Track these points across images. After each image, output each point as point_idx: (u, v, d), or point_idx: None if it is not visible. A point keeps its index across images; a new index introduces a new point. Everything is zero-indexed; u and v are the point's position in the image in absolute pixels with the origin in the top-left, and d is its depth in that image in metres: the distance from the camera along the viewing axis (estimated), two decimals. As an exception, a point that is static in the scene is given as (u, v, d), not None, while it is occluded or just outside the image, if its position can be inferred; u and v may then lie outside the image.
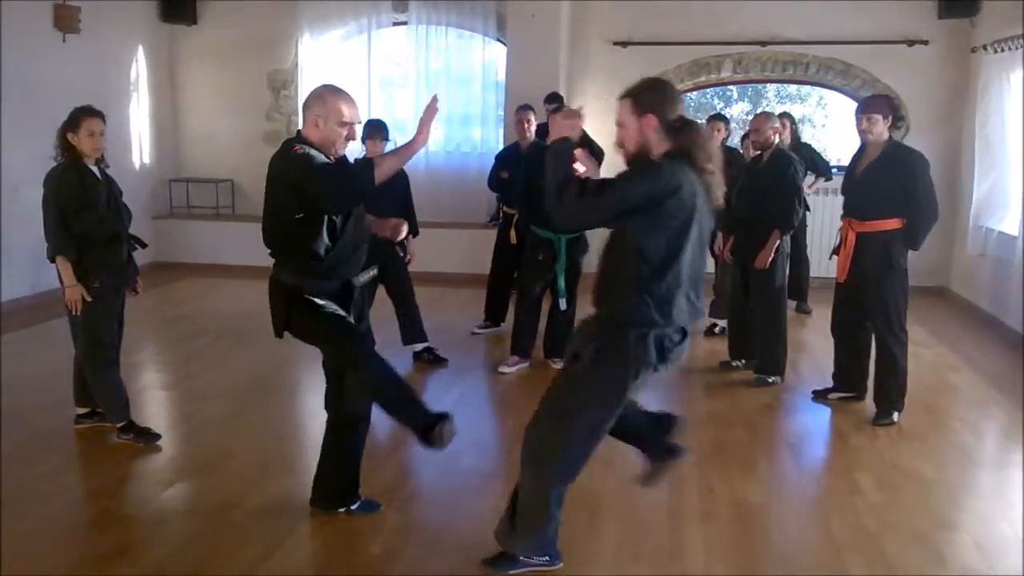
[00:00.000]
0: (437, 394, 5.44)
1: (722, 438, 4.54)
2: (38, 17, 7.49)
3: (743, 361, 5.68)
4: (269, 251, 3.41)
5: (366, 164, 3.32)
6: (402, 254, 5.62)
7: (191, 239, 9.22)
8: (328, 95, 3.30)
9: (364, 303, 3.67)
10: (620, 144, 2.87)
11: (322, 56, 9.31)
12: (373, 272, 3.74)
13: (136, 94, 9.00)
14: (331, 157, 3.29)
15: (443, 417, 3.17)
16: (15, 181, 6.78)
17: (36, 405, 3.67)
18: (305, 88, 9.29)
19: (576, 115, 2.95)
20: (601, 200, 2.70)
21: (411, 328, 5.79)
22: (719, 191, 2.82)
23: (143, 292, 4.60)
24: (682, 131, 2.76)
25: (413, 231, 5.61)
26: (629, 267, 2.77)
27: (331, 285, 3.36)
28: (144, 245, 4.59)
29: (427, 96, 9.42)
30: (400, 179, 5.45)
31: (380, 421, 4.62)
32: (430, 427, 3.15)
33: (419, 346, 5.83)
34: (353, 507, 3.56)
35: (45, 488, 3.76)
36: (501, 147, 8.79)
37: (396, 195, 5.47)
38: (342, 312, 3.34)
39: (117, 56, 8.71)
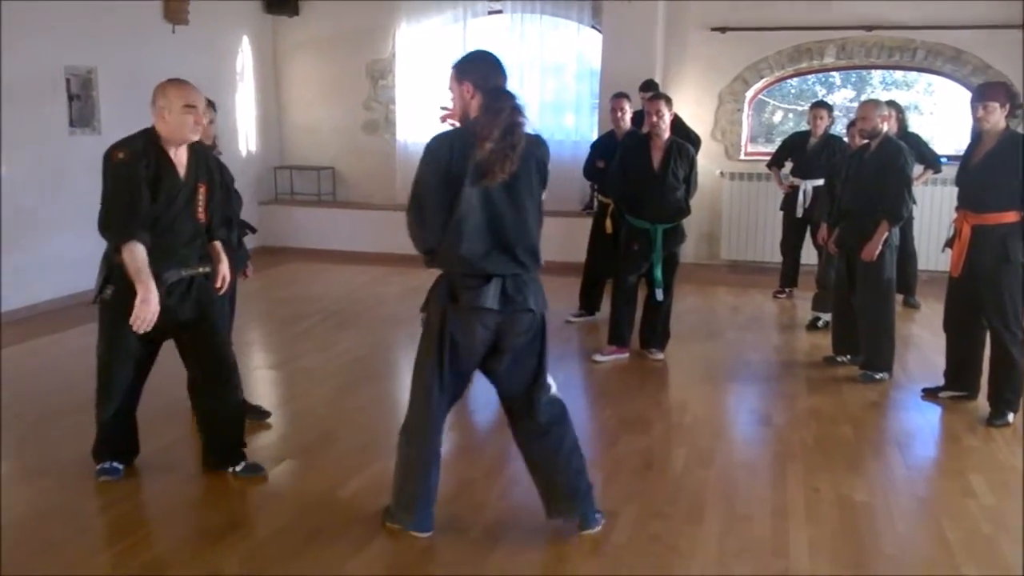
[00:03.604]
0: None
1: (827, 435, 4.44)
2: (149, 10, 7.82)
3: (848, 357, 5.53)
4: (99, 231, 3.54)
5: (126, 232, 3.38)
6: None
7: (295, 224, 9.51)
8: (167, 86, 3.47)
9: (187, 298, 3.62)
10: (443, 109, 3.14)
11: (418, 46, 9.43)
12: (202, 269, 3.67)
13: (241, 84, 9.30)
14: (182, 143, 3.49)
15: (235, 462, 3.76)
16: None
17: (159, 378, 3.83)
18: (402, 78, 9.47)
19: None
20: (416, 205, 3.00)
21: None
22: (490, 160, 2.89)
23: (252, 275, 4.75)
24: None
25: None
26: None
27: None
28: (254, 230, 4.75)
29: (520, 85, 9.40)
30: None
31: (479, 407, 4.75)
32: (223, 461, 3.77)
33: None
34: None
35: (161, 461, 3.93)
36: (595, 135, 8.77)
37: None
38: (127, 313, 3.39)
39: (223, 47, 9.02)
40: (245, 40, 9.35)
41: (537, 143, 3.09)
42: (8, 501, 3.56)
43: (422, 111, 9.47)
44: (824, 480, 3.88)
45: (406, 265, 8.60)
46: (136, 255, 3.36)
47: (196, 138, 3.58)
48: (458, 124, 3.08)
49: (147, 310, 3.35)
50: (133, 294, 3.39)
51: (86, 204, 6.96)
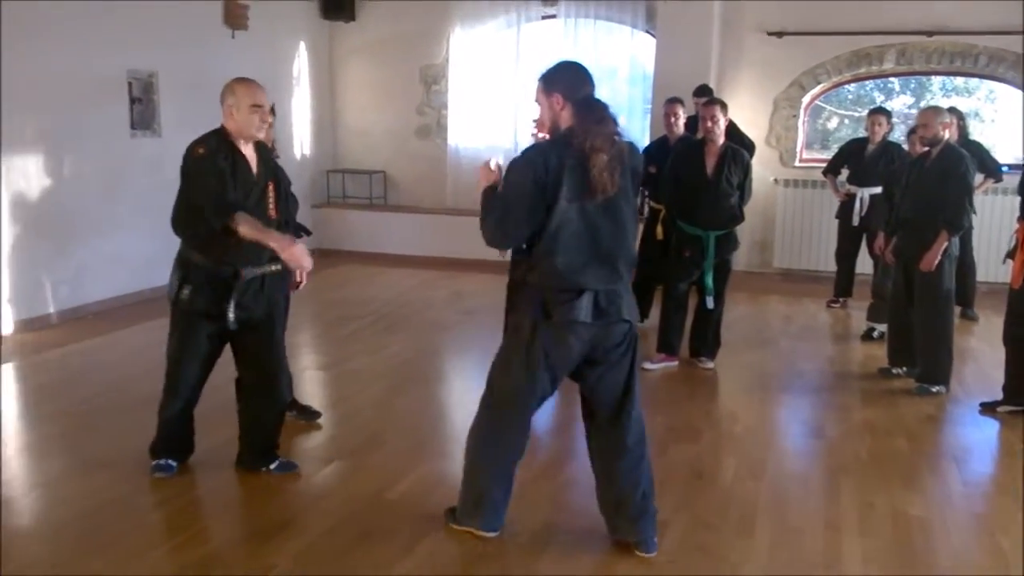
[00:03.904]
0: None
1: (881, 448, 4.35)
2: (210, 14, 7.99)
3: (904, 369, 5.41)
4: (173, 230, 3.68)
5: (226, 209, 3.43)
6: None
7: (347, 227, 9.62)
8: (236, 85, 3.59)
9: (260, 295, 3.70)
10: (534, 122, 3.16)
11: (472, 50, 9.48)
12: (275, 267, 3.72)
13: (298, 88, 9.44)
14: (250, 140, 3.60)
15: (269, 461, 3.86)
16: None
17: (215, 377, 3.91)
18: (455, 82, 9.53)
19: (489, 163, 3.14)
20: (502, 210, 2.97)
21: None
22: (603, 174, 2.87)
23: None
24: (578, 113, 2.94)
25: None
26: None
27: (221, 270, 3.57)
28: (309, 233, 4.79)
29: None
30: None
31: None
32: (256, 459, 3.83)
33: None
34: None
35: (214, 458, 3.99)
36: (647, 140, 8.72)
37: None
38: (204, 313, 3.59)
39: (281, 52, 9.17)
40: (302, 45, 9.50)
41: (632, 151, 3.07)
42: (62, 496, 3.67)
43: (474, 116, 9.54)
44: (879, 494, 3.81)
45: (455, 269, 8.69)
46: (247, 220, 3.41)
47: (261, 136, 3.69)
48: (547, 136, 3.07)
49: (298, 249, 3.44)
50: (208, 294, 3.56)
51: (144, 205, 7.23)
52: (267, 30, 8.67)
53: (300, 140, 9.52)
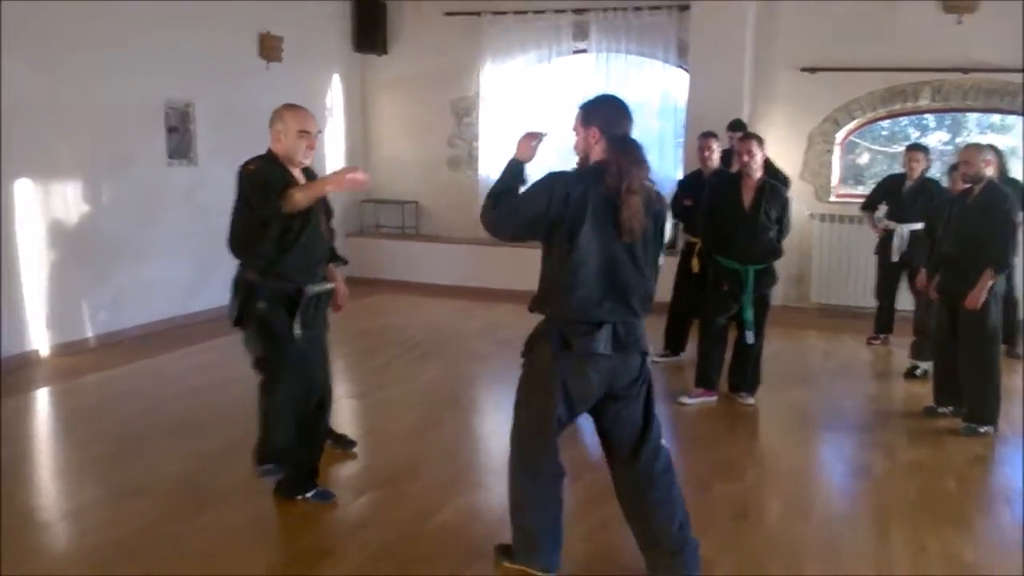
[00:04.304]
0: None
1: (930, 490, 4.22)
2: (246, 46, 8.09)
3: (951, 408, 5.27)
4: (231, 252, 3.70)
5: (276, 191, 3.47)
6: None
7: (379, 256, 9.62)
8: (284, 111, 3.65)
9: (316, 313, 3.75)
10: (575, 150, 3.09)
11: (503, 83, 9.52)
12: (329, 285, 3.80)
13: (331, 119, 9.52)
14: (297, 166, 3.65)
15: (307, 488, 3.79)
16: (222, 200, 7.30)
17: (244, 403, 3.88)
18: (486, 114, 9.56)
19: (537, 136, 3.11)
20: (509, 212, 2.96)
21: None
22: (635, 218, 2.87)
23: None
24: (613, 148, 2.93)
25: None
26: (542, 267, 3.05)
27: (284, 287, 3.58)
28: (345, 262, 4.78)
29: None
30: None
31: (567, 444, 4.68)
32: (296, 485, 3.76)
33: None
34: None
35: (253, 486, 3.93)
36: (680, 174, 8.69)
37: None
38: (283, 325, 3.58)
39: (314, 83, 9.26)
40: (335, 77, 9.59)
41: (658, 197, 3.07)
42: (97, 523, 3.63)
43: (505, 148, 9.53)
44: (930, 537, 3.68)
45: (488, 299, 8.66)
46: (298, 189, 3.47)
47: (308, 163, 3.72)
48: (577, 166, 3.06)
49: (349, 169, 3.52)
50: (284, 305, 3.58)
51: (181, 233, 7.28)
52: (301, 62, 8.76)
53: (334, 170, 9.54)
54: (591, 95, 3.15)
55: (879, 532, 3.74)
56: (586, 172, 2.97)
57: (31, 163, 6.12)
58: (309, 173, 3.79)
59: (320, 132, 3.72)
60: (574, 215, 2.86)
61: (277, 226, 3.54)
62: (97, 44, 6.49)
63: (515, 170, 3.06)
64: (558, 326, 2.97)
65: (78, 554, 3.41)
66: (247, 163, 3.59)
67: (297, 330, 3.62)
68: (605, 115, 2.99)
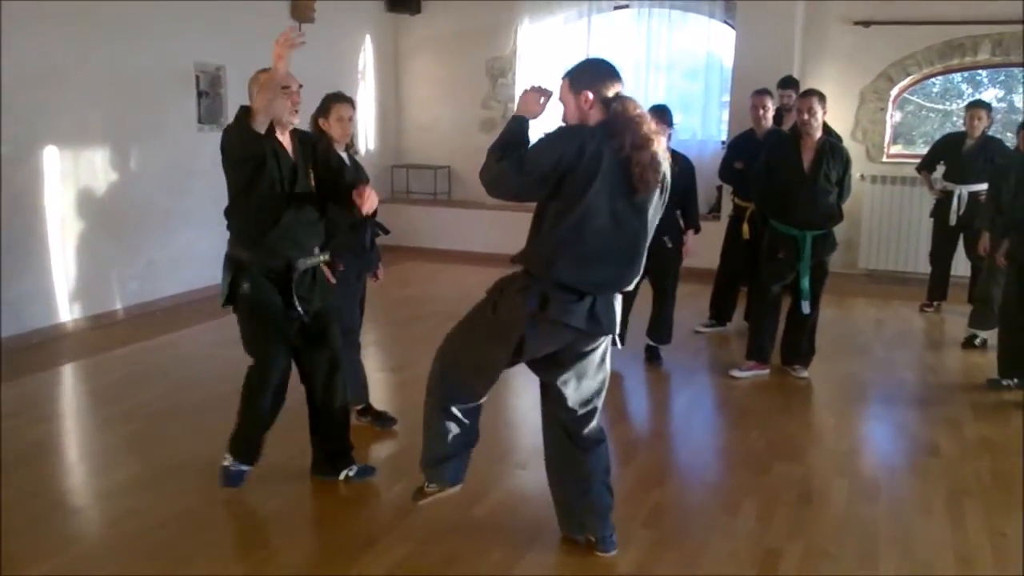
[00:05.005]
0: (666, 397, 5.18)
1: (1003, 470, 3.97)
2: (277, 8, 7.85)
3: (1016, 380, 5.00)
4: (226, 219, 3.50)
5: (239, 117, 3.26)
6: (670, 245, 5.22)
7: (411, 223, 9.39)
8: (259, 73, 3.39)
9: (313, 286, 3.54)
10: (564, 121, 2.90)
11: (540, 42, 9.21)
12: (322, 257, 3.60)
13: (363, 82, 9.27)
14: (285, 128, 3.41)
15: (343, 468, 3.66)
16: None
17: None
18: (522, 75, 9.25)
19: (545, 93, 2.97)
20: (517, 166, 2.77)
21: (655, 324, 5.48)
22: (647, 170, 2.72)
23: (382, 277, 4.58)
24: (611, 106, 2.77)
25: (694, 226, 5.33)
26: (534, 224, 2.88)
27: (273, 263, 3.40)
28: (387, 231, 4.60)
29: (645, 82, 8.99)
30: (684, 168, 5.17)
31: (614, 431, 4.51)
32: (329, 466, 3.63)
33: (651, 342, 5.54)
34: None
35: (290, 468, 3.78)
36: (724, 135, 8.38)
37: (676, 184, 5.16)
38: (271, 307, 3.40)
39: (347, 45, 9.01)
40: (367, 38, 9.33)
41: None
42: (131, 507, 3.48)
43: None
44: (1010, 522, 3.45)
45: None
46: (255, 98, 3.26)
47: (296, 121, 3.48)
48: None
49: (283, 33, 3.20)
50: (268, 288, 3.39)
51: (212, 200, 7.01)
52: (333, 24, 8.51)
53: (365, 134, 9.35)
54: (578, 62, 3.01)
55: (953, 517, 3.51)
56: (598, 128, 2.77)
57: (60, 130, 5.96)
58: (302, 138, 3.57)
59: (301, 87, 3.46)
60: (588, 168, 2.70)
61: (263, 190, 3.33)
62: (127, 7, 6.27)
63: (520, 127, 2.91)
64: (541, 287, 2.79)
65: (112, 542, 3.25)
66: (227, 130, 3.37)
67: (298, 307, 3.44)
68: (594, 78, 2.83)
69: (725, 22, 8.44)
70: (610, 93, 2.80)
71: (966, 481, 3.85)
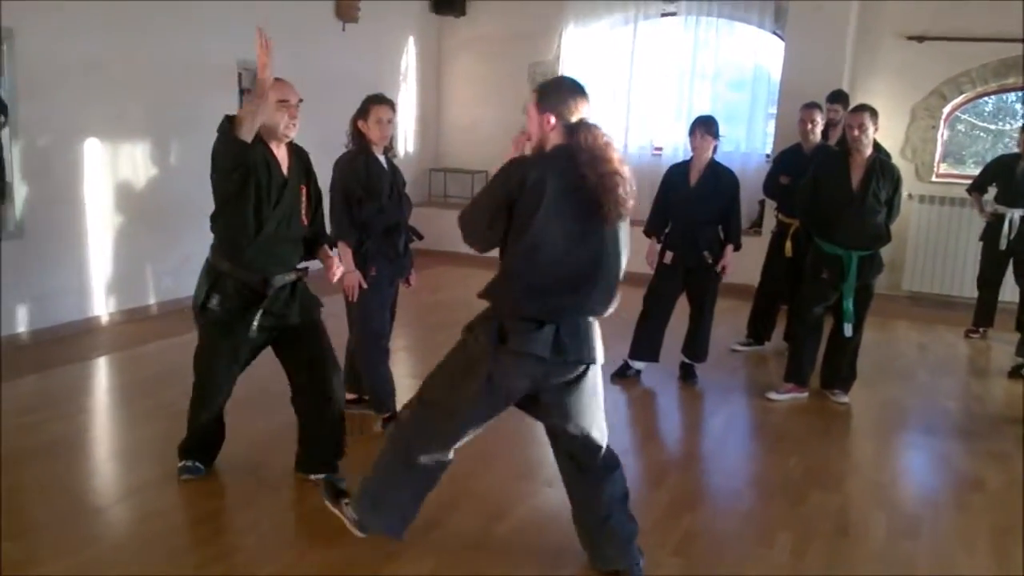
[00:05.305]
0: (700, 417, 5.05)
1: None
2: (322, 7, 7.84)
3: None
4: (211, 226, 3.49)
5: (222, 127, 3.23)
6: (710, 261, 5.11)
7: (446, 228, 9.22)
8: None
9: (290, 302, 3.50)
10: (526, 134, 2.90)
11: (584, 48, 9.11)
12: (302, 267, 3.57)
13: (404, 84, 9.24)
14: (281, 140, 3.42)
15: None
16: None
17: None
18: (565, 81, 9.14)
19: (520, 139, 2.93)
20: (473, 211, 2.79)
21: (691, 341, 5.35)
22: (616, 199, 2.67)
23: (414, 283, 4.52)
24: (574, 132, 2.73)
25: (734, 242, 5.17)
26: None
27: (249, 277, 3.38)
28: (420, 237, 4.55)
29: (689, 92, 8.81)
30: (728, 181, 5.08)
31: (634, 453, 4.40)
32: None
33: (686, 359, 5.41)
34: None
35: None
36: (768, 149, 8.22)
37: (719, 197, 5.06)
38: (234, 325, 3.39)
39: (390, 46, 8.98)
40: (411, 40, 9.29)
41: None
42: (156, 507, 3.44)
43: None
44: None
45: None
46: (240, 114, 3.22)
47: (292, 135, 3.46)
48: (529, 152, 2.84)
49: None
50: (240, 303, 3.38)
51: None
52: (377, 24, 8.49)
53: (404, 137, 9.32)
54: (550, 78, 2.97)
55: (998, 556, 3.36)
56: (545, 157, 2.77)
57: (101, 122, 5.99)
58: (298, 152, 3.56)
59: (301, 101, 3.45)
60: (530, 198, 2.66)
61: (248, 201, 3.31)
62: (172, 2, 6.29)
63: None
64: (499, 319, 2.76)
65: (134, 542, 3.21)
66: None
67: (254, 324, 3.40)
68: (559, 101, 2.79)
69: (774, 32, 8.27)
70: (574, 117, 2.77)
71: (1013, 519, 3.68)
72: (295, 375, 3.60)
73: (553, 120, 2.76)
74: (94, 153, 5.97)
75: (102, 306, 6.14)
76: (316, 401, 3.59)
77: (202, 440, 3.70)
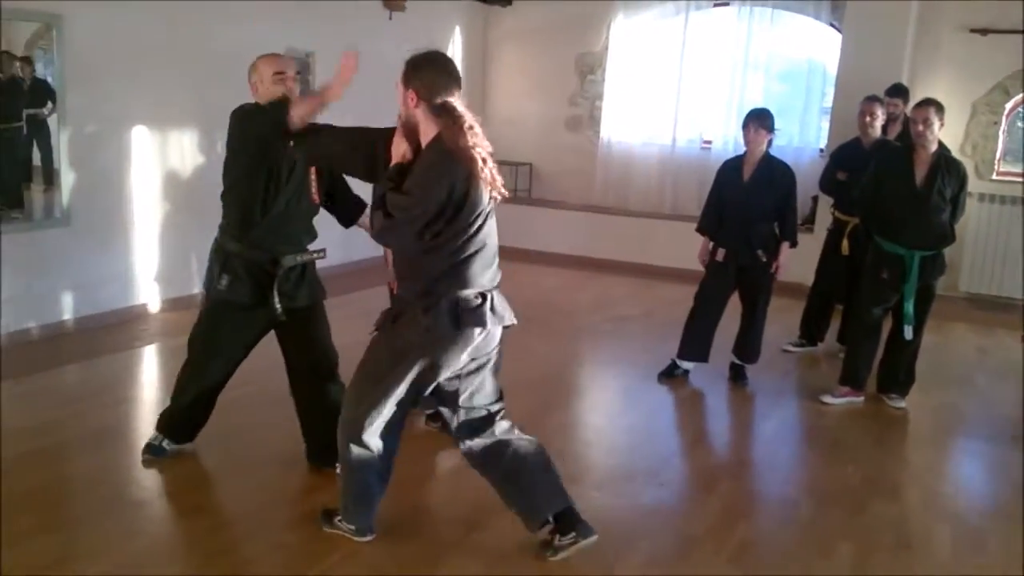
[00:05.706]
0: (751, 420, 4.90)
1: None
2: (370, -5, 7.79)
3: None
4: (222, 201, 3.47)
5: (281, 101, 3.18)
6: (764, 259, 4.96)
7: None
8: (257, 61, 3.43)
9: (299, 283, 3.49)
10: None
11: (634, 39, 8.94)
12: (316, 255, 3.55)
13: (450, 74, 9.14)
14: None
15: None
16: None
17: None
18: (613, 72, 9.00)
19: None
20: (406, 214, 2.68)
21: (742, 341, 5.20)
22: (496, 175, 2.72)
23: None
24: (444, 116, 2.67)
25: (791, 239, 5.03)
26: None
27: (258, 257, 3.36)
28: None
29: (743, 83, 8.59)
30: (783, 176, 4.94)
31: (701, 454, 4.28)
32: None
33: (736, 360, 5.26)
34: None
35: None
36: (823, 143, 8.01)
37: (774, 192, 4.91)
38: (238, 310, 3.39)
39: (436, 36, 8.88)
40: (457, 29, 9.20)
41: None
42: (196, 504, 3.42)
43: (631, 109, 9.01)
44: None
45: (600, 270, 8.24)
46: (296, 104, 3.14)
47: None
48: (400, 128, 2.78)
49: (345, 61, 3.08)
50: (248, 285, 3.37)
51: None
52: (424, 13, 8.41)
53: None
54: (420, 51, 2.78)
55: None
56: (452, 151, 2.70)
57: (148, 110, 5.98)
58: None
59: (299, 73, 3.40)
60: (460, 192, 2.69)
61: (261, 179, 3.29)
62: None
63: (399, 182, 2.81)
64: (451, 304, 2.74)
65: (174, 541, 3.18)
66: (237, 108, 3.36)
67: (277, 304, 3.38)
68: (427, 78, 2.71)
69: (831, 24, 8.03)
70: (438, 100, 2.68)
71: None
72: (297, 357, 3.58)
73: (416, 98, 2.69)
74: (141, 141, 5.97)
75: (148, 294, 6.14)
76: (320, 386, 3.56)
77: (184, 418, 3.69)
